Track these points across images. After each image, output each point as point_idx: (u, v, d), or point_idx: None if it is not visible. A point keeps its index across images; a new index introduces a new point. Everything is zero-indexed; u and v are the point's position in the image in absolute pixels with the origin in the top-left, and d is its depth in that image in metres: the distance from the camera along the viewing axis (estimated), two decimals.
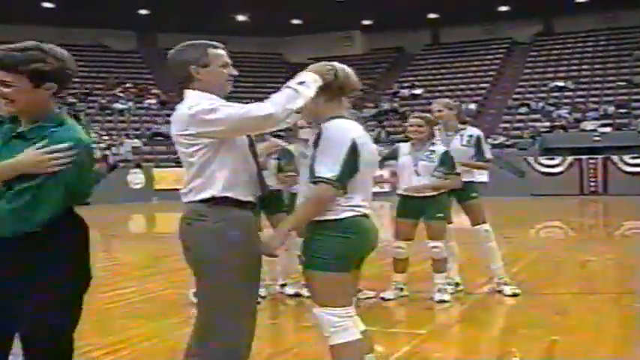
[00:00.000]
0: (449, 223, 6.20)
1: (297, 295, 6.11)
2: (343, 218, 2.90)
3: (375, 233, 3.04)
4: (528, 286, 6.49)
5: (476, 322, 5.68)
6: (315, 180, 2.85)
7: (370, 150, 3.00)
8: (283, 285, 6.31)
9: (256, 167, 3.00)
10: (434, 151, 5.83)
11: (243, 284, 2.87)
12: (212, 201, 2.83)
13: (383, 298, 5.88)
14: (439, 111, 6.26)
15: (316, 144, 2.90)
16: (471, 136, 6.23)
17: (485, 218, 6.23)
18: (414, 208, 5.88)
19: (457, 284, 6.26)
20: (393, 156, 6.06)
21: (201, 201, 2.83)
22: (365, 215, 2.98)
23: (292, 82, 2.90)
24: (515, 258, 8.01)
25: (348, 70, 3.09)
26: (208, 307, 2.89)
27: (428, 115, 6.15)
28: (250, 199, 2.93)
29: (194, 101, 2.84)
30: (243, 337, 2.94)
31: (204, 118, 2.76)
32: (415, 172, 5.82)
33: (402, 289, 6.02)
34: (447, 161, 5.80)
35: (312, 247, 2.92)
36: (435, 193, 5.83)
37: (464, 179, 6.07)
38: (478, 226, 6.19)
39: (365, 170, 2.95)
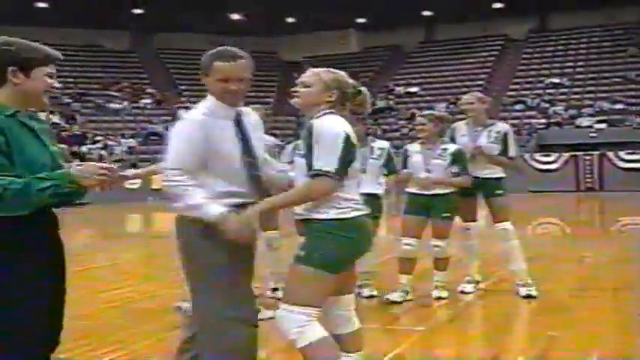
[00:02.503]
0: (472, 221, 6.13)
1: None
2: (350, 218, 2.91)
3: (371, 234, 3.08)
4: None
5: (474, 319, 5.70)
6: (314, 173, 2.86)
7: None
8: (275, 289, 6.15)
9: (249, 174, 3.02)
10: (446, 149, 5.81)
11: (230, 282, 2.93)
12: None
13: (388, 299, 5.78)
14: (470, 103, 6.10)
15: (308, 139, 2.93)
16: (498, 132, 6.06)
17: (508, 217, 6.06)
18: (422, 206, 5.83)
19: (477, 282, 6.20)
20: (405, 162, 5.93)
21: None
22: (366, 214, 2.99)
23: (208, 208, 2.87)
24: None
25: (366, 93, 3.29)
26: (199, 302, 2.97)
27: (434, 112, 6.13)
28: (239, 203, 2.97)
29: (194, 112, 3.06)
30: (238, 334, 2.95)
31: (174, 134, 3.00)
32: (427, 170, 5.77)
33: (407, 293, 5.86)
34: (459, 159, 5.75)
35: (315, 244, 2.90)
36: (444, 191, 5.78)
37: (488, 175, 5.99)
38: (497, 225, 6.04)
39: (354, 166, 3.02)
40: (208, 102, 3.05)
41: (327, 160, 2.85)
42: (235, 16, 32.23)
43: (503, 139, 6.03)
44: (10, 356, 2.44)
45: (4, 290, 2.42)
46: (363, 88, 3.25)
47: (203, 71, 3.06)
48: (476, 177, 5.98)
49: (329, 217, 2.89)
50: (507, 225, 6.03)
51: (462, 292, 6.07)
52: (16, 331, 2.43)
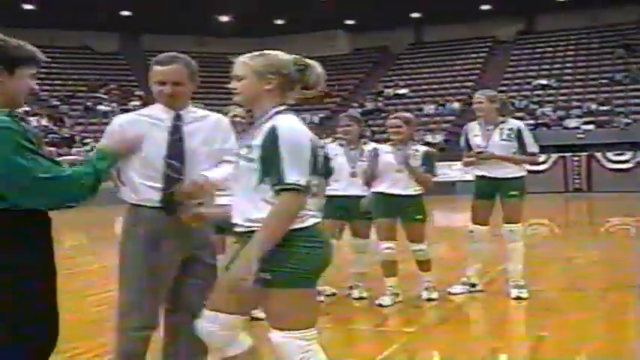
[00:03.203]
0: (483, 225, 6.07)
1: None
2: (309, 226, 2.61)
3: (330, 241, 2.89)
4: None
5: (464, 320, 5.70)
6: (287, 187, 2.52)
7: None
8: None
9: (165, 175, 3.11)
10: (417, 150, 5.81)
11: (142, 271, 3.09)
12: (129, 204, 3.18)
13: (380, 305, 5.73)
14: (479, 102, 6.02)
15: (268, 145, 2.57)
16: (511, 129, 5.95)
17: (519, 219, 5.98)
18: (392, 207, 5.76)
19: (473, 285, 6.14)
20: (376, 163, 5.78)
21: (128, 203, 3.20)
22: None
23: None
24: (503, 255, 8.03)
25: (313, 66, 2.76)
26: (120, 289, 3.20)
27: (407, 114, 6.11)
28: (156, 205, 3.10)
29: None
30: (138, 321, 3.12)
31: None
32: (398, 171, 5.75)
33: (397, 295, 5.84)
34: (428, 162, 5.75)
35: (277, 260, 2.54)
36: (412, 193, 5.76)
37: (506, 175, 5.91)
38: (506, 225, 5.95)
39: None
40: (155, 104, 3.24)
41: (298, 170, 2.52)
42: (224, 18, 32.18)
43: (518, 136, 5.93)
44: (15, 354, 2.42)
45: (8, 288, 2.39)
46: (310, 62, 2.74)
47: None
48: (494, 178, 5.96)
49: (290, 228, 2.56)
50: (515, 227, 5.96)
51: (450, 294, 6.04)
52: (22, 330, 2.42)
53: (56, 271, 2.58)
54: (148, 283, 3.10)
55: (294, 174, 2.51)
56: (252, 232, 2.57)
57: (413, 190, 5.76)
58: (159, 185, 3.10)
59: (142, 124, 3.15)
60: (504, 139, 5.94)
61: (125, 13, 30.83)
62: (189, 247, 3.18)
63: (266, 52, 2.75)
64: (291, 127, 2.60)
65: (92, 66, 32.01)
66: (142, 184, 3.11)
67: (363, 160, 5.85)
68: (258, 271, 2.52)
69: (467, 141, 6.12)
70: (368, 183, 5.82)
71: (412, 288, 6.07)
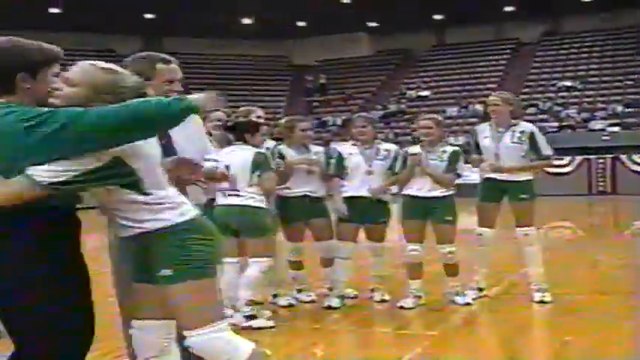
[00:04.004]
0: (489, 227, 6.00)
1: (291, 305, 5.93)
2: (193, 218, 2.59)
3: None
4: None
5: (487, 323, 5.67)
6: None
7: None
8: (275, 295, 6.06)
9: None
10: (445, 151, 5.81)
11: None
12: None
13: (402, 307, 5.72)
14: (495, 104, 5.96)
15: None
16: (522, 132, 5.89)
17: (532, 222, 5.95)
18: (420, 209, 5.79)
19: (481, 289, 6.09)
20: (405, 164, 5.85)
21: None
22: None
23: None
24: (520, 258, 7.97)
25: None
26: None
27: (437, 116, 6.13)
28: None
29: None
30: None
31: None
32: (425, 173, 5.73)
33: (420, 297, 5.82)
34: (452, 161, 5.75)
35: (173, 256, 2.51)
36: (441, 194, 5.76)
37: (513, 179, 5.87)
38: (519, 229, 5.91)
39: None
40: None
41: None
42: (246, 20, 32.29)
43: (531, 139, 5.88)
44: (57, 349, 2.46)
45: (44, 288, 2.42)
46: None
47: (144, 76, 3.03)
48: (502, 180, 5.91)
49: (176, 222, 2.54)
50: (530, 230, 5.91)
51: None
52: (60, 327, 2.45)
53: (88, 271, 2.61)
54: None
55: None
56: (149, 232, 2.53)
57: (440, 191, 5.75)
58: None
59: None
60: (515, 142, 5.89)
61: (148, 15, 31.05)
62: None
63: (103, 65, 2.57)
64: None
65: None
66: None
67: (380, 159, 5.86)
68: (157, 271, 2.53)
69: (476, 143, 6.08)
70: (403, 184, 5.85)
71: (435, 291, 6.04)
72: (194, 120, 3.29)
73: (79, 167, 2.30)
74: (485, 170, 5.98)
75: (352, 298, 6.10)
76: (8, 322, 2.49)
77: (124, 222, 2.55)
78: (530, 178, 6.01)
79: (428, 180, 5.74)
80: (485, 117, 26.77)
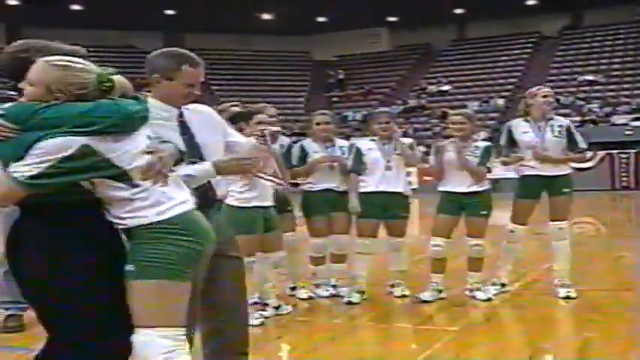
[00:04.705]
0: (522, 225, 5.96)
1: (311, 297, 5.95)
2: (173, 216, 2.50)
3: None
4: None
5: (508, 319, 5.64)
6: None
7: None
8: (293, 288, 6.10)
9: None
10: (477, 147, 5.77)
11: None
12: None
13: (421, 300, 5.73)
14: (547, 97, 5.90)
15: None
16: (561, 125, 5.88)
17: (567, 216, 5.89)
18: (456, 205, 5.77)
19: (503, 285, 6.04)
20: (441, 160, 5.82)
21: None
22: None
23: (182, 171, 2.77)
24: (547, 254, 7.92)
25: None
26: None
27: (468, 110, 6.08)
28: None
29: None
30: None
31: None
32: (460, 167, 5.71)
33: (440, 291, 5.82)
34: (484, 156, 5.72)
35: (139, 252, 2.46)
36: (479, 188, 5.72)
37: (555, 173, 5.82)
38: (553, 223, 5.86)
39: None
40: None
41: None
42: (266, 16, 32.32)
43: (569, 133, 5.86)
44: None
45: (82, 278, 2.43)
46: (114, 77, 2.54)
47: (162, 74, 3.06)
48: (545, 176, 5.84)
49: (152, 220, 2.47)
50: (563, 224, 5.87)
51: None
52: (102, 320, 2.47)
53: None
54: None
55: None
56: (131, 228, 2.49)
57: (478, 186, 5.72)
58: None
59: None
60: (556, 136, 5.86)
61: (168, 12, 31.18)
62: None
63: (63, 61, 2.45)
64: None
65: (137, 65, 32.27)
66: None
67: (399, 154, 5.85)
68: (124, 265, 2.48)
69: (511, 138, 6.01)
70: (438, 177, 5.84)
71: (456, 286, 6.02)
72: (214, 114, 3.31)
73: (49, 157, 2.27)
74: (538, 156, 5.87)
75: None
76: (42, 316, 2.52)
77: (111, 218, 2.51)
78: (571, 171, 5.97)
79: (465, 176, 5.70)
80: (505, 111, 26.52)
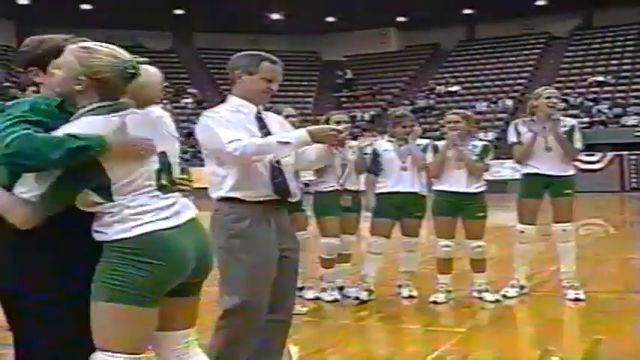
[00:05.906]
0: (531, 225, 5.93)
1: (318, 298, 5.93)
2: (138, 235, 2.31)
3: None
4: None
5: (516, 320, 5.63)
6: None
7: None
8: (301, 288, 6.10)
9: (271, 172, 3.21)
10: (475, 146, 5.79)
11: (247, 271, 3.15)
12: (223, 199, 3.23)
13: (435, 302, 5.72)
14: (553, 99, 5.88)
15: None
16: (565, 126, 5.86)
17: (571, 217, 5.86)
18: (452, 206, 5.78)
19: (522, 287, 6.00)
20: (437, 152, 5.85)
21: (217, 198, 3.26)
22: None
23: (275, 138, 3.13)
24: (555, 255, 7.90)
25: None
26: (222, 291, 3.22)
27: (465, 111, 6.08)
28: (260, 199, 3.20)
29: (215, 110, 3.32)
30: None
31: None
32: (457, 166, 5.73)
33: (450, 292, 5.82)
34: (482, 154, 5.75)
35: (99, 272, 2.32)
36: (475, 190, 5.73)
37: (557, 173, 5.82)
38: (557, 224, 5.86)
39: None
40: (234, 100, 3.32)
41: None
42: (275, 16, 32.35)
43: (570, 132, 5.84)
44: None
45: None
46: (142, 67, 2.54)
47: (244, 69, 3.27)
48: (547, 175, 5.84)
49: (114, 238, 2.30)
50: (567, 226, 5.85)
51: (505, 297, 5.90)
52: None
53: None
54: (265, 274, 3.20)
55: None
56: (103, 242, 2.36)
57: (474, 187, 5.73)
58: (266, 176, 3.19)
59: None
60: (563, 136, 5.84)
61: (178, 11, 31.26)
62: (280, 241, 3.28)
63: (94, 46, 2.45)
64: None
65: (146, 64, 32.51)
66: (247, 178, 3.17)
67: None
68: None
69: (518, 136, 5.98)
70: (434, 176, 5.86)
71: (464, 287, 6.01)
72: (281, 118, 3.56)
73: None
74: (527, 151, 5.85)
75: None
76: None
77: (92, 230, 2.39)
78: (574, 173, 5.96)
79: (462, 175, 5.71)
80: (514, 112, 26.53)
